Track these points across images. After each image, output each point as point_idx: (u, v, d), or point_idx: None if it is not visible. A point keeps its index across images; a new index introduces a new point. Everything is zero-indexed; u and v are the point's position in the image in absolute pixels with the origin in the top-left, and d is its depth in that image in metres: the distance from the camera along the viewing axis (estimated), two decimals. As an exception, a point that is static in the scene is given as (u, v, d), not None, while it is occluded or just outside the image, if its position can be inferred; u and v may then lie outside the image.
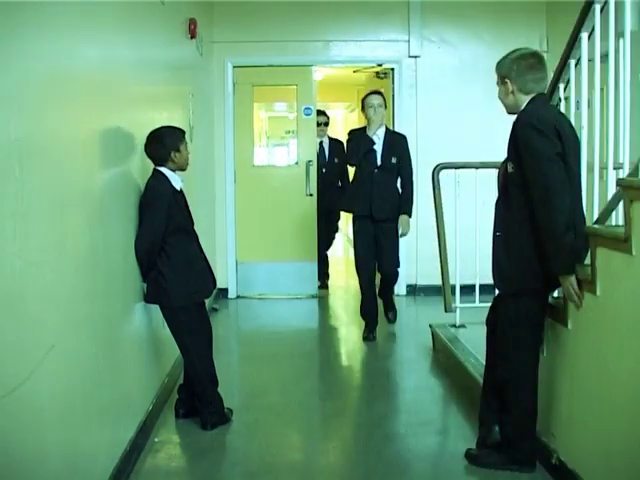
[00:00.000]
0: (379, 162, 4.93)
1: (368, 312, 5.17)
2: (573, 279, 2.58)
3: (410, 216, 5.00)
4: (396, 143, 5.00)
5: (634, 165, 2.64)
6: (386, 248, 4.99)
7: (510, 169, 2.74)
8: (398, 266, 5.19)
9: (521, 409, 2.83)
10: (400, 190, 5.00)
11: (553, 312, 2.84)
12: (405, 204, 4.98)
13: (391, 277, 5.26)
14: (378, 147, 4.94)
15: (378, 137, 4.95)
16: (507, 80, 2.76)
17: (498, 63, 2.82)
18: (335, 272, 7.51)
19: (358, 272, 5.12)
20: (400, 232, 4.98)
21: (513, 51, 2.81)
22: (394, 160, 4.94)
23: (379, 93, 5.06)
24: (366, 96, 5.04)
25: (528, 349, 2.83)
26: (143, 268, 3.24)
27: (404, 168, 4.99)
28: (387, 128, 5.10)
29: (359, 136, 4.99)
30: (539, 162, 2.58)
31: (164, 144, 3.22)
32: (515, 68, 2.74)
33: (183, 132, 3.34)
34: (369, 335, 5.09)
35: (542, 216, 2.58)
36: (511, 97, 2.78)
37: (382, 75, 7.04)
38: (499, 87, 2.84)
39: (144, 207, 3.21)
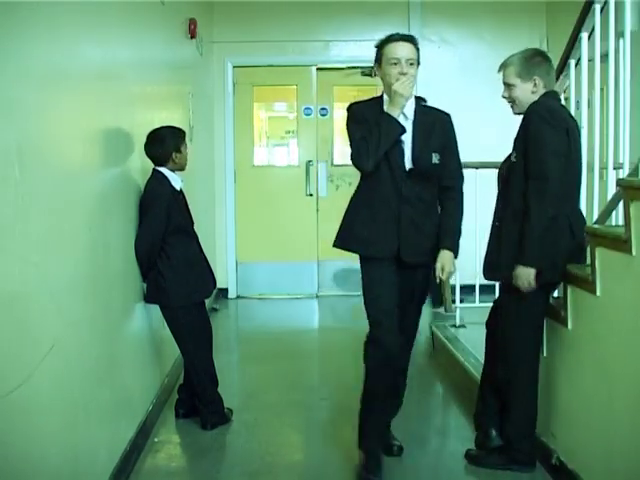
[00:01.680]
0: (408, 162, 2.79)
1: (373, 428, 3.03)
2: (532, 272, 2.62)
3: (455, 254, 2.88)
4: (436, 127, 2.84)
5: (634, 165, 2.64)
6: (411, 313, 3.01)
7: (513, 158, 2.75)
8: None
9: (521, 409, 2.83)
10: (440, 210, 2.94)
11: (553, 312, 2.83)
12: (447, 234, 2.87)
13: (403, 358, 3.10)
14: (406, 135, 2.78)
15: (405, 117, 2.79)
16: (536, 77, 2.73)
17: (517, 63, 2.77)
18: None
19: (367, 355, 3.11)
20: (441, 274, 2.84)
21: (525, 51, 2.80)
22: (435, 159, 2.80)
23: (410, 39, 2.77)
24: (386, 41, 2.77)
25: (528, 349, 2.82)
26: (143, 268, 3.24)
27: (449, 171, 2.87)
28: (419, 100, 2.90)
29: (371, 115, 2.78)
30: (545, 154, 2.59)
31: (165, 144, 3.22)
32: (543, 65, 2.75)
33: (184, 132, 3.34)
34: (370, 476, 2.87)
35: (533, 205, 2.59)
36: (533, 95, 2.74)
37: (369, 73, 6.75)
38: (519, 85, 2.76)
39: (144, 207, 3.20)
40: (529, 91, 2.75)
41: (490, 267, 2.85)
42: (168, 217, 3.18)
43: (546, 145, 2.60)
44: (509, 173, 2.79)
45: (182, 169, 3.32)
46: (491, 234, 2.88)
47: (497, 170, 2.98)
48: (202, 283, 3.38)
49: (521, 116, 2.78)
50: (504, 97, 2.84)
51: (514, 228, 2.71)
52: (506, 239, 2.75)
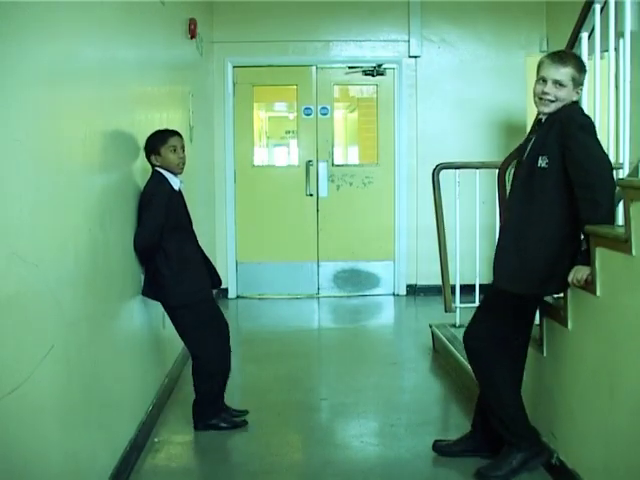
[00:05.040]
0: None
1: None
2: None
3: None
4: None
5: (634, 165, 2.64)
6: None
7: (543, 164, 2.62)
8: None
9: (511, 409, 2.83)
10: None
11: (553, 312, 2.83)
12: None
13: None
14: None
15: None
16: (580, 88, 2.67)
17: (577, 67, 2.64)
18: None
19: None
20: None
21: (579, 57, 2.73)
22: None
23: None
24: None
25: (514, 349, 2.84)
26: (144, 266, 3.25)
27: None
28: None
29: None
30: (598, 157, 2.54)
31: (146, 147, 3.24)
32: (584, 79, 2.69)
33: (170, 134, 3.27)
34: None
35: (602, 199, 2.49)
36: (570, 101, 2.65)
37: (371, 72, 6.64)
38: (570, 88, 2.63)
39: (143, 205, 3.21)
40: (571, 98, 2.65)
41: (510, 280, 2.73)
42: (167, 214, 3.18)
43: (596, 150, 2.54)
44: (530, 175, 2.68)
45: (171, 171, 3.26)
46: (503, 240, 2.77)
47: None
48: (200, 281, 3.36)
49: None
50: (545, 92, 2.65)
51: (540, 239, 2.65)
52: (530, 252, 2.67)
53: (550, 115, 2.67)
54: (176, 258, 3.23)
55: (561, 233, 2.65)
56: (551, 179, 2.64)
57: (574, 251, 2.63)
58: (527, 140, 2.81)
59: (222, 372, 3.39)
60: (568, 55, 2.72)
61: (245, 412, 3.52)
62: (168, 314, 3.35)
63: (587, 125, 2.60)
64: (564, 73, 2.63)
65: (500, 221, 3.82)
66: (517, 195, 2.78)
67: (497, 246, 2.82)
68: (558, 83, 2.64)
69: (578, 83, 2.66)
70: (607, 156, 2.60)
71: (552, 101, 2.65)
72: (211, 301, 3.43)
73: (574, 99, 2.68)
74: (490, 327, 2.86)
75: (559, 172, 2.61)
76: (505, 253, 2.78)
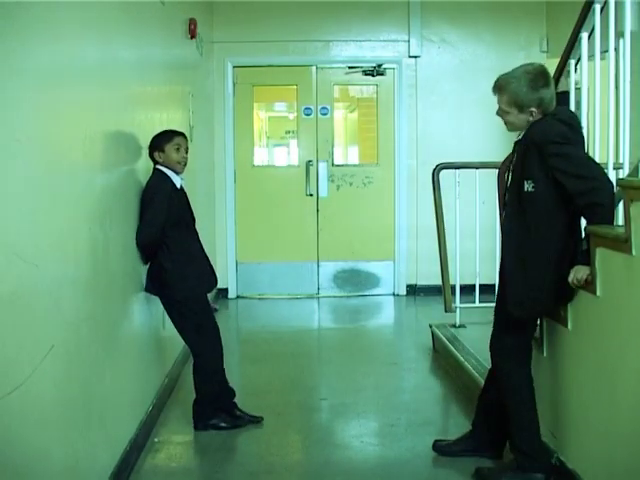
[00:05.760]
0: None
1: None
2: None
3: None
4: None
5: (634, 165, 2.64)
6: None
7: (530, 188, 2.61)
8: None
9: (526, 419, 2.81)
10: None
11: (553, 312, 2.83)
12: None
13: None
14: None
15: None
16: (533, 108, 2.60)
17: (515, 92, 2.60)
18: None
19: None
20: None
21: (524, 75, 2.61)
22: None
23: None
24: None
25: (522, 355, 2.82)
26: (146, 263, 3.28)
27: None
28: None
29: None
30: (586, 161, 2.55)
31: (151, 144, 3.27)
32: (543, 92, 2.59)
33: (176, 133, 3.31)
34: None
35: (603, 200, 2.48)
36: (528, 122, 2.64)
37: (371, 72, 6.65)
38: (514, 114, 2.63)
39: (145, 203, 3.22)
40: (525, 120, 2.64)
41: (521, 306, 2.71)
42: (169, 211, 3.19)
43: (577, 156, 2.54)
44: (519, 200, 2.66)
45: (173, 169, 3.27)
46: (508, 265, 2.73)
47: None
48: (203, 277, 3.38)
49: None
50: (497, 115, 2.72)
51: (541, 264, 2.62)
52: (534, 276, 2.65)
53: (524, 135, 2.67)
54: (179, 254, 3.25)
55: (560, 252, 2.63)
56: (539, 202, 2.62)
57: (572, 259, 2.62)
58: (513, 151, 2.80)
59: (221, 371, 3.40)
60: (503, 80, 2.66)
61: (260, 418, 3.51)
62: (170, 310, 3.34)
63: (562, 135, 2.57)
64: (500, 101, 2.69)
65: (500, 222, 3.82)
66: (511, 221, 2.76)
67: (502, 268, 2.80)
68: (501, 110, 2.70)
69: (525, 105, 2.61)
70: (591, 157, 2.59)
71: (506, 124, 2.72)
72: (208, 302, 3.46)
73: (530, 120, 2.63)
74: (506, 338, 2.83)
75: (546, 193, 2.60)
76: (511, 277, 2.74)
